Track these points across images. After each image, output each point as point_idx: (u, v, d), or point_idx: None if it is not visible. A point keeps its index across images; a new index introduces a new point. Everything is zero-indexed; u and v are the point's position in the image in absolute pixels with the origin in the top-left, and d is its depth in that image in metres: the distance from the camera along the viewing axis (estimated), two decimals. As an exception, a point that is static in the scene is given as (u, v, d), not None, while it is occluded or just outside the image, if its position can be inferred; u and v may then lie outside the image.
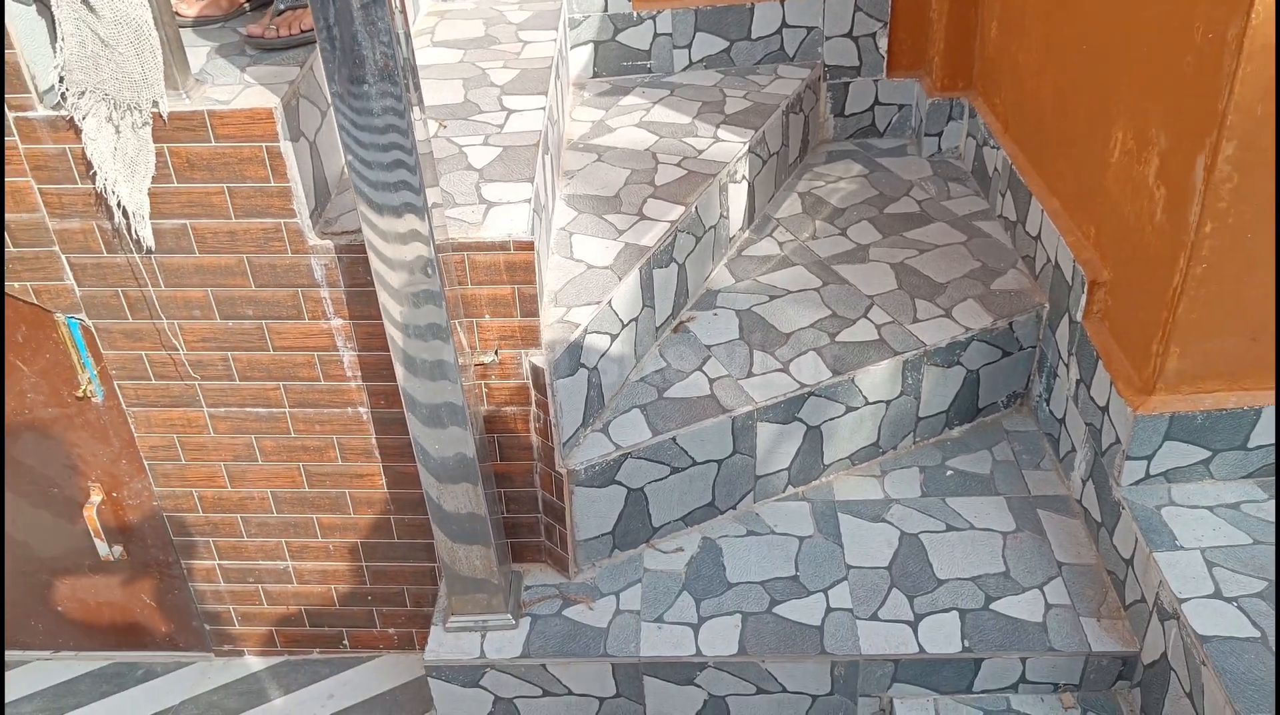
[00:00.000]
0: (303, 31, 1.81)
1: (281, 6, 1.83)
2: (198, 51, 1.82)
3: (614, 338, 2.02)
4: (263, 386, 1.88)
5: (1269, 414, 1.84)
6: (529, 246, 1.71)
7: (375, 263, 1.59)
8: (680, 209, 2.22)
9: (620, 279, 2.02)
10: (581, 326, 1.90)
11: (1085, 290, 2.05)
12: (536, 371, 1.83)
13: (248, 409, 1.91)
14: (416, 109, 1.51)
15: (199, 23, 1.91)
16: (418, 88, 1.52)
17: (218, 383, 1.88)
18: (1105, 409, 1.97)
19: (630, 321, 2.07)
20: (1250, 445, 1.89)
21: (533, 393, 1.87)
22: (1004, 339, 2.27)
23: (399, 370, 1.69)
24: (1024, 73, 2.40)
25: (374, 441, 1.95)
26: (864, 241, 2.53)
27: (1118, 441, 1.92)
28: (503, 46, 2.43)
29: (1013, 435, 2.35)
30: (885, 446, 2.29)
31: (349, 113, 1.46)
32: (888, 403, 2.22)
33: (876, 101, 2.91)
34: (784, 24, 2.77)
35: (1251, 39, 1.49)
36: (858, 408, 2.18)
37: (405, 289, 1.60)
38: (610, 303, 1.98)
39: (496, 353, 1.81)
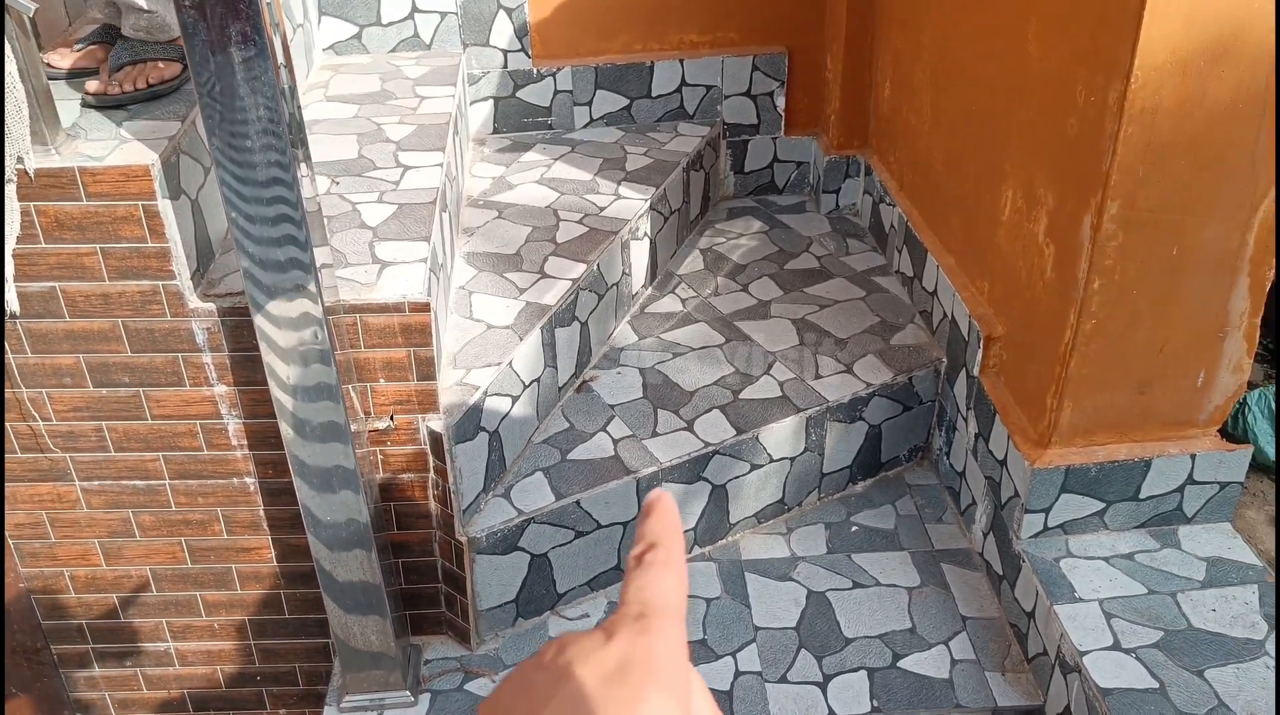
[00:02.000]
0: (149, 85, 1.73)
1: (121, 61, 1.76)
2: (71, 105, 1.74)
3: (515, 400, 1.97)
4: (140, 458, 1.77)
5: (1159, 465, 1.88)
6: (425, 308, 1.66)
7: (261, 322, 1.52)
8: (582, 267, 2.19)
9: (521, 339, 1.97)
10: (481, 389, 1.85)
11: (981, 345, 2.08)
12: (435, 437, 1.77)
13: (124, 482, 1.80)
14: (303, 164, 1.46)
15: (74, 75, 1.83)
16: (304, 143, 1.47)
17: (91, 455, 1.77)
18: (1004, 462, 2.00)
19: (532, 382, 2.03)
20: (1141, 496, 1.93)
21: (431, 459, 1.80)
22: (904, 394, 2.29)
23: (287, 434, 1.61)
24: (915, 133, 2.46)
25: (262, 513, 1.85)
26: (765, 297, 2.53)
27: (1016, 495, 1.94)
28: (399, 102, 2.39)
29: (915, 489, 2.37)
30: (790, 503, 2.28)
31: (231, 168, 1.41)
32: (792, 460, 2.21)
33: (775, 159, 2.94)
34: (683, 82, 2.79)
35: (1132, 102, 1.54)
36: (762, 465, 2.17)
37: (294, 348, 1.53)
38: (511, 364, 1.94)
39: (392, 418, 1.75)
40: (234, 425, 1.74)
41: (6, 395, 1.70)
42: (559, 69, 2.73)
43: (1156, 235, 1.66)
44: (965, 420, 2.19)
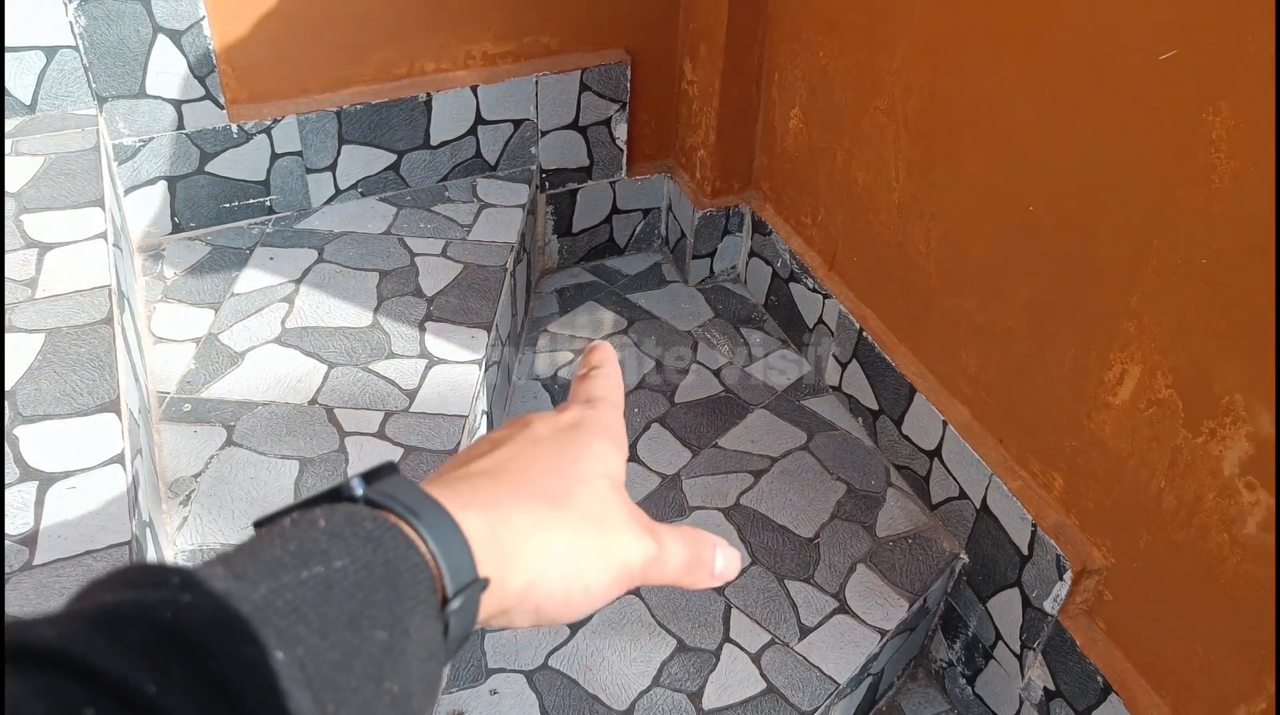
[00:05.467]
0: None
1: None
2: None
3: None
4: None
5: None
6: None
7: None
8: (419, 556, 1.22)
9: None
10: None
11: (1063, 576, 1.35)
12: None
13: None
14: None
15: None
16: None
17: None
18: (1136, 771, 1.30)
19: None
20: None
21: None
22: (916, 617, 1.54)
23: None
24: (869, 198, 1.63)
25: None
26: (668, 466, 1.66)
27: (1172, 830, 1.26)
28: (-7, 259, 1.24)
29: (924, 727, 1.65)
30: (777, 815, 1.48)
31: None
32: (788, 773, 1.40)
33: (615, 209, 2.01)
34: (479, 119, 1.78)
35: None
36: (753, 805, 1.35)
37: None
38: None
39: None
40: None
41: None
42: (275, 120, 1.63)
43: None
44: (1018, 658, 1.47)
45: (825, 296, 1.77)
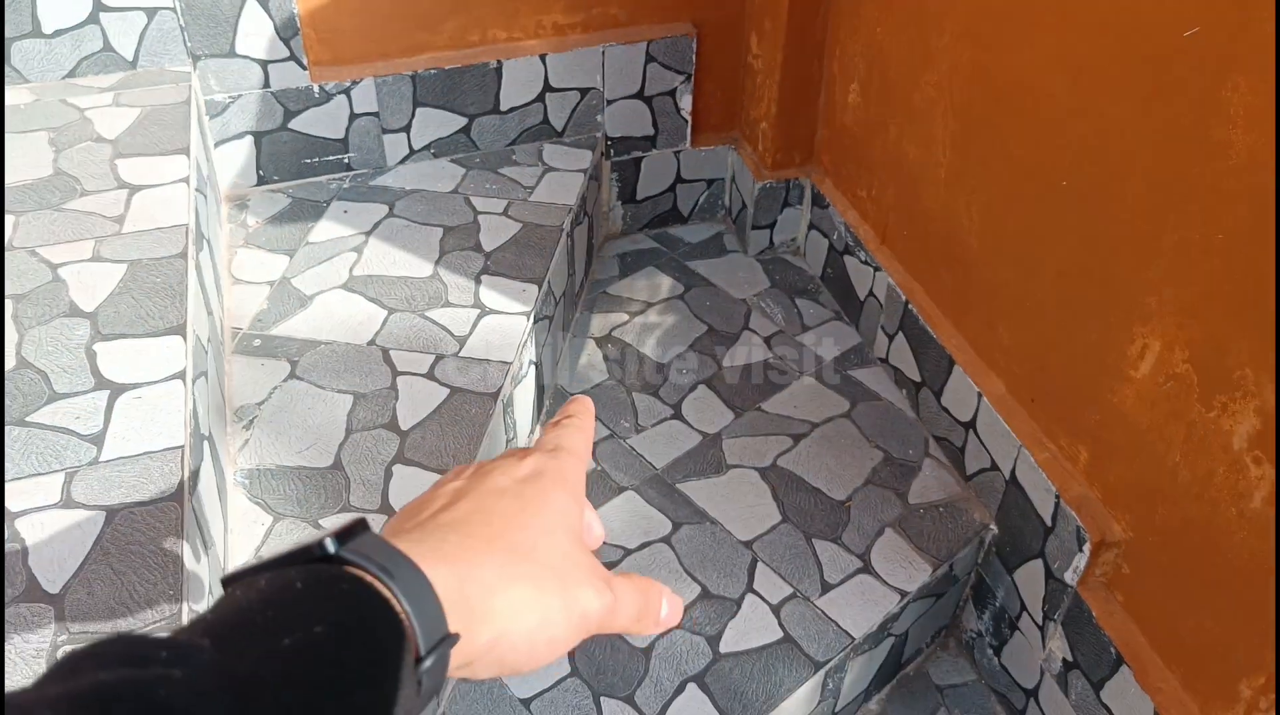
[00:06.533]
0: None
1: None
2: None
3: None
4: None
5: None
6: None
7: None
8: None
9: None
10: None
11: (1082, 547, 1.36)
12: None
13: None
14: None
15: None
16: None
17: None
18: (1143, 743, 1.31)
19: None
20: (1356, 789, 1.29)
21: None
22: (941, 584, 1.57)
23: None
24: (918, 174, 1.66)
25: None
26: (710, 426, 1.72)
27: (1175, 802, 1.27)
28: (90, 202, 1.37)
29: (949, 694, 1.68)
30: (793, 764, 1.54)
31: None
32: (802, 722, 1.46)
33: (679, 179, 2.07)
34: (547, 86, 1.86)
35: None
36: (765, 749, 1.41)
37: None
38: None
39: None
40: None
41: None
42: (354, 82, 1.74)
43: None
44: (1041, 630, 1.50)
45: (876, 269, 1.80)
